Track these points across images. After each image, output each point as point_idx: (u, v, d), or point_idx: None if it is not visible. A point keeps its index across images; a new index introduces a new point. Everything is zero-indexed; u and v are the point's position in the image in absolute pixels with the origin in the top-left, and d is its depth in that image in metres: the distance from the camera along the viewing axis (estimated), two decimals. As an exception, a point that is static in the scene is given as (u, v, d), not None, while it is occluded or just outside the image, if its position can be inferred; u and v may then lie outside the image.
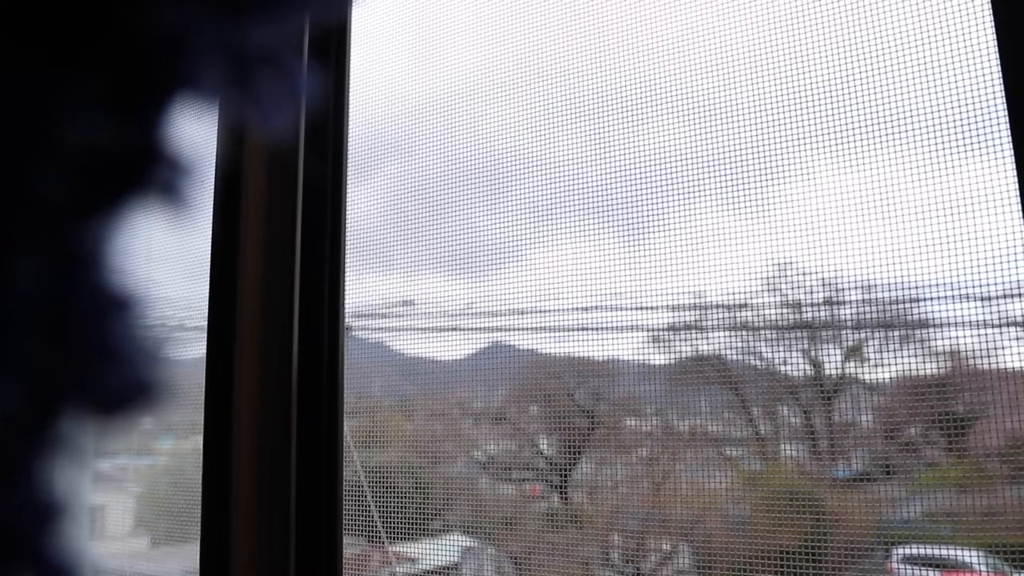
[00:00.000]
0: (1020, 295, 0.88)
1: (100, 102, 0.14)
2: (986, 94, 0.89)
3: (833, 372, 1.05)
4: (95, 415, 0.15)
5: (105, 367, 0.15)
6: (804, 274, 1.01)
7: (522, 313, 1.19)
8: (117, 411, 0.15)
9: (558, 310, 1.16)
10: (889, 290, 0.96)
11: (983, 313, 0.90)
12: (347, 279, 1.16)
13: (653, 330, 1.11)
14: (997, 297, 0.88)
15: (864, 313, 1.00)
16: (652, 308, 1.09)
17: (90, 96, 0.14)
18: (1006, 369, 0.89)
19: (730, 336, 1.10)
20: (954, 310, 0.92)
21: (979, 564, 0.93)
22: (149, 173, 0.14)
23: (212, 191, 1.15)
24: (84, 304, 0.15)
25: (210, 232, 1.15)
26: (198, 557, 1.09)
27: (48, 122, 0.14)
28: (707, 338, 1.11)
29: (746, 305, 1.06)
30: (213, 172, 1.14)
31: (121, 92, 0.14)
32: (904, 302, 0.96)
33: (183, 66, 0.14)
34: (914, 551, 0.99)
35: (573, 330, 1.15)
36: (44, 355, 0.15)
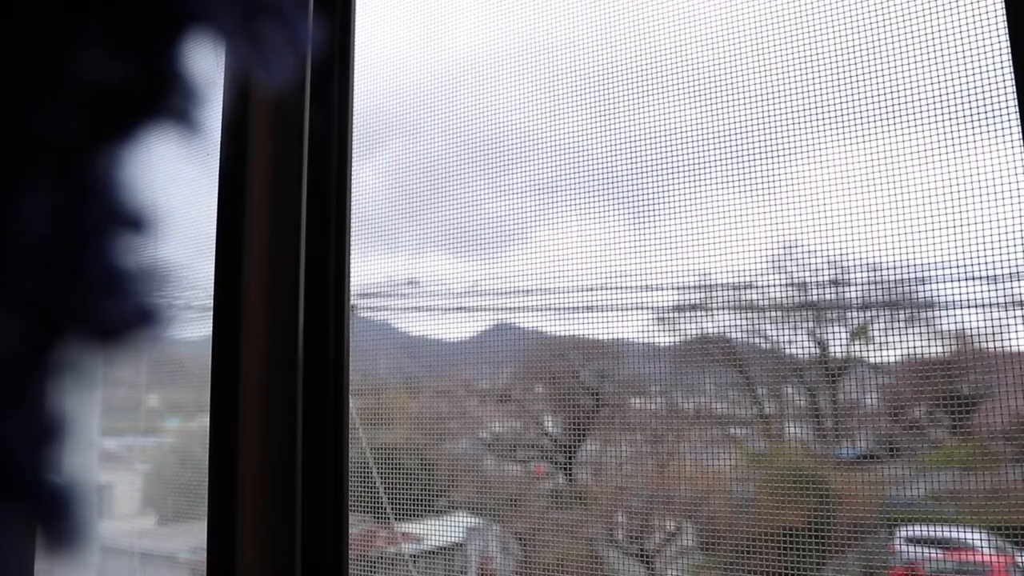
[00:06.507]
0: (1027, 274, 0.87)
1: (113, 35, 0.14)
2: (994, 72, 0.89)
3: (838, 352, 1.05)
4: (100, 342, 0.16)
5: (108, 295, 0.15)
6: (810, 254, 1.01)
7: (527, 293, 1.19)
8: (123, 338, 0.16)
9: (563, 290, 1.16)
10: (895, 270, 0.96)
11: (989, 293, 0.90)
12: (351, 258, 1.16)
13: (658, 310, 1.11)
14: (1003, 277, 0.88)
15: (870, 293, 0.99)
16: (657, 288, 1.09)
17: (103, 28, 0.14)
18: (1012, 350, 0.89)
19: (735, 316, 1.09)
20: (960, 290, 0.92)
21: (983, 544, 0.93)
22: (160, 100, 0.14)
23: (218, 155, 1.15)
24: (91, 233, 0.15)
25: (215, 210, 1.15)
26: (205, 535, 1.10)
27: (62, 54, 0.14)
28: (712, 318, 1.11)
29: (752, 285, 1.06)
30: (220, 135, 1.14)
31: (134, 26, 0.14)
32: (910, 282, 0.96)
33: (192, 6, 0.14)
34: (918, 531, 0.99)
35: (578, 310, 1.15)
36: (49, 283, 0.15)
